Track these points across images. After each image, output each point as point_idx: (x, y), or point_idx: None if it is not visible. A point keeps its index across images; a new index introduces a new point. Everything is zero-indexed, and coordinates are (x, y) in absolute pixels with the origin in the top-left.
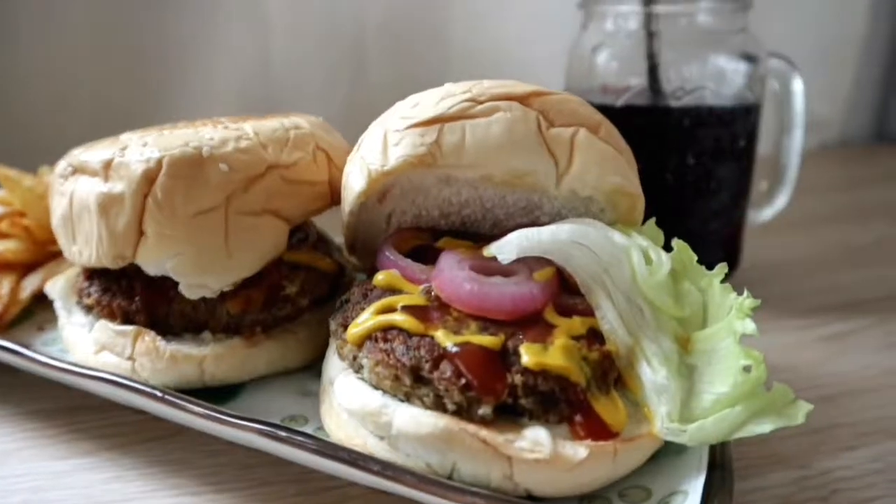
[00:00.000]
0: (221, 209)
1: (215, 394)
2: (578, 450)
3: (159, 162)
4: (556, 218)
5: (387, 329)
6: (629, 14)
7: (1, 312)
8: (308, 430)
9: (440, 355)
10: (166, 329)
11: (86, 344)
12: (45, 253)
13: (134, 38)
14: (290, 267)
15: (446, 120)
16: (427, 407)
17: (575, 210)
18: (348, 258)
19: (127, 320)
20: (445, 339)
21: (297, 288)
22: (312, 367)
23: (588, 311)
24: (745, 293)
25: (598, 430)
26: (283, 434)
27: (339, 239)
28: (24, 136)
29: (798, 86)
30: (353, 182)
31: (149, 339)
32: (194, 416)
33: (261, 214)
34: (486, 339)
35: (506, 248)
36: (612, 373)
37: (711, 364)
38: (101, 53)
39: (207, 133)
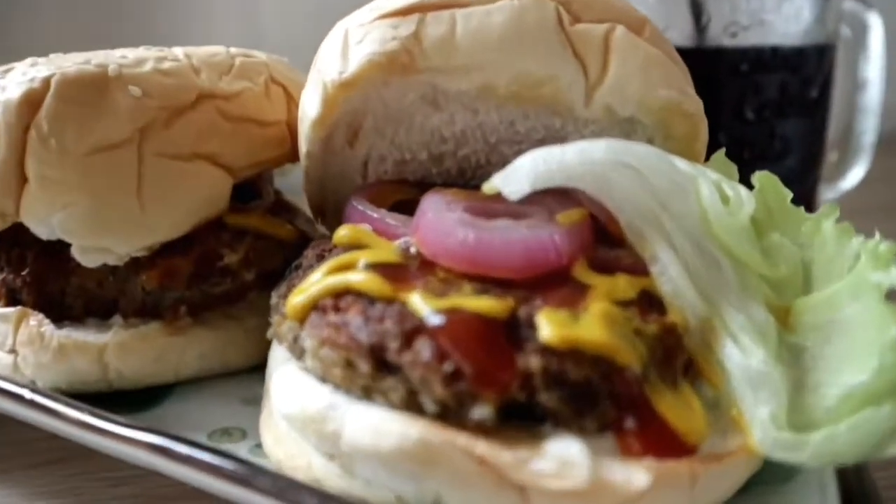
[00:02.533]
0: (132, 147)
1: (132, 399)
2: (635, 474)
3: (46, 82)
4: None
5: (339, 295)
6: None
7: None
8: (242, 448)
9: (415, 328)
10: (64, 312)
11: None
12: None
13: (118, 25)
14: (232, 233)
15: (429, 8)
16: (395, 407)
17: None
18: (314, 228)
19: (13, 301)
20: (424, 305)
21: (240, 257)
22: (264, 365)
23: (637, 268)
24: (877, 235)
25: (663, 442)
26: (182, 450)
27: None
28: None
29: (876, 25)
30: (309, 106)
31: (34, 322)
32: (64, 424)
33: (190, 159)
34: (486, 304)
35: (514, 178)
36: (679, 356)
37: (832, 342)
38: (84, 38)
39: (122, 53)
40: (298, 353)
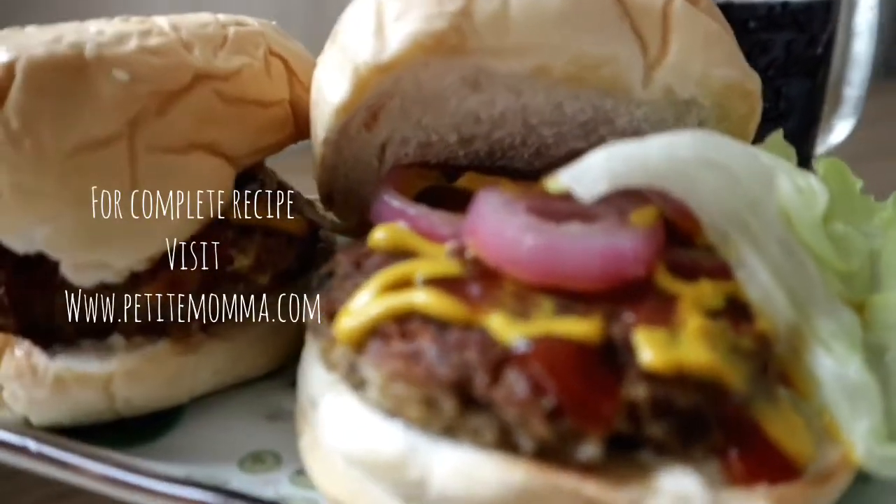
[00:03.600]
0: (122, 142)
1: (140, 424)
2: None
3: (9, 69)
4: (629, 138)
5: (404, 318)
6: None
7: None
8: (282, 476)
9: (502, 358)
10: (52, 335)
11: None
12: None
13: None
14: (238, 230)
15: None
16: (485, 447)
17: (662, 124)
18: (323, 215)
19: None
20: (509, 331)
21: (252, 260)
22: (280, 373)
23: (718, 271)
24: None
25: (773, 466)
26: None
27: (309, 194)
28: None
29: None
30: (331, 90)
31: (20, 353)
32: (87, 479)
33: (187, 150)
34: (579, 327)
35: (587, 177)
36: (772, 368)
37: None
38: None
39: (96, 27)
40: (356, 383)
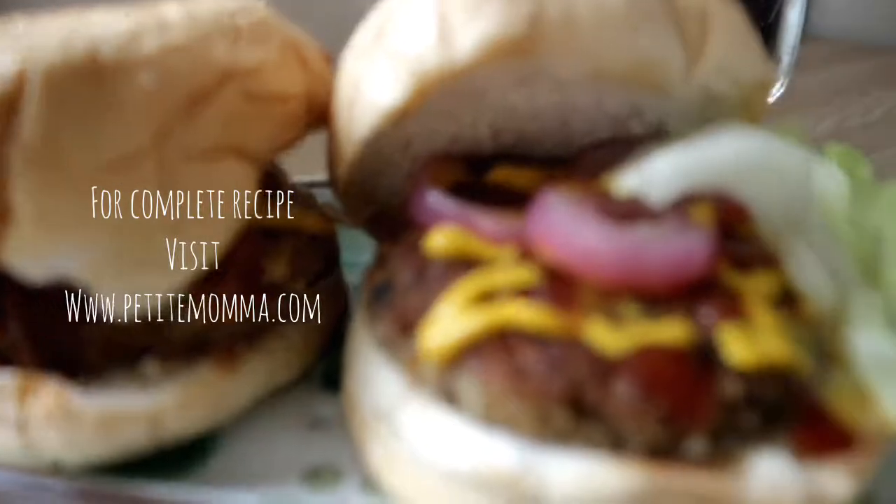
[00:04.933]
0: (152, 155)
1: (174, 454)
2: (831, 476)
3: (20, 77)
4: (654, 129)
5: (500, 331)
6: None
7: None
8: (350, 491)
9: (610, 368)
10: (75, 365)
11: None
12: None
13: None
14: (262, 236)
15: None
16: (597, 452)
17: (685, 116)
18: (337, 210)
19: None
20: (610, 340)
21: (286, 268)
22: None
23: (767, 259)
24: None
25: (835, 437)
26: None
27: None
28: None
29: None
30: (379, 92)
31: (48, 393)
32: None
33: (216, 158)
34: (672, 332)
35: (659, 180)
36: (825, 349)
37: None
38: None
39: (101, 21)
40: (449, 398)
